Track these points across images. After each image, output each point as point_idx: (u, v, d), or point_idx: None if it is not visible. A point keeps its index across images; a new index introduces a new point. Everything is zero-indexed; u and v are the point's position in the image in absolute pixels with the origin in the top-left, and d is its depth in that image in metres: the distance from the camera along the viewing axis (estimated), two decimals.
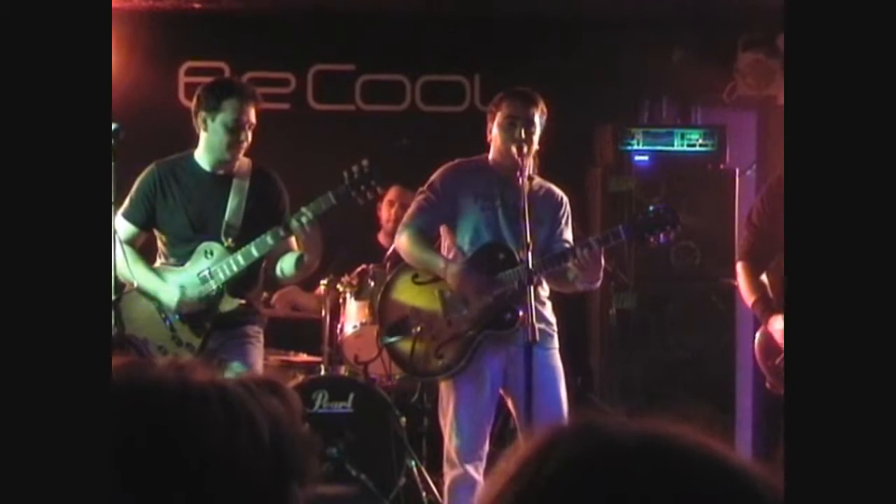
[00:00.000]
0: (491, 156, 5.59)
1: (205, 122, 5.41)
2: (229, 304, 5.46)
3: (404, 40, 8.14)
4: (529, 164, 5.42)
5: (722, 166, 7.62)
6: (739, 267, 6.92)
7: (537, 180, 5.57)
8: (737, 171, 7.56)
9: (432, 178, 5.64)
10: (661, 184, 7.45)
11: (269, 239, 5.37)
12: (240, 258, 5.39)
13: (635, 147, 7.60)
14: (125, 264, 5.42)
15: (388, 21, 8.04)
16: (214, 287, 5.43)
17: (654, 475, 1.06)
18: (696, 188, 7.49)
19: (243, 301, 5.48)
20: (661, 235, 5.47)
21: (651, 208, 5.53)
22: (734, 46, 7.89)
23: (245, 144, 5.43)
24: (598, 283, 5.62)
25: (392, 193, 7.52)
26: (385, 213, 7.61)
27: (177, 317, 5.49)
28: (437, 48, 8.17)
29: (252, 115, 5.41)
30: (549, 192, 5.64)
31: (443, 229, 5.66)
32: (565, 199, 5.66)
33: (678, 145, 7.64)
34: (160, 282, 5.49)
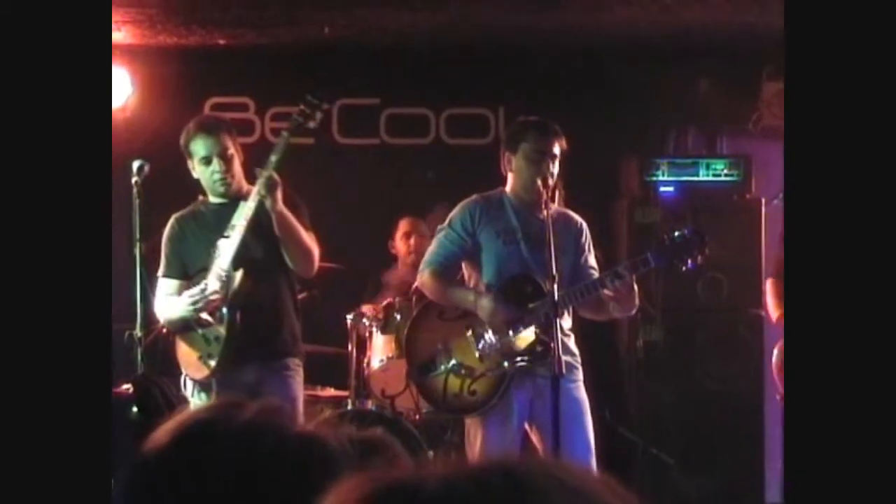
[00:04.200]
0: (510, 188, 5.55)
1: (191, 167, 5.52)
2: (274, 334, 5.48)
3: (428, 73, 8.15)
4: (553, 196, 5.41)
5: (748, 196, 7.59)
6: (768, 284, 6.87)
7: (554, 208, 5.43)
8: (763, 200, 7.52)
9: (451, 214, 5.58)
10: (687, 214, 7.40)
11: (251, 202, 5.33)
12: (234, 239, 5.37)
13: (661, 178, 7.57)
14: (163, 312, 5.49)
15: (412, 54, 8.05)
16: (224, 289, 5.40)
17: None
18: (723, 218, 7.44)
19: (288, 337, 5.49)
20: (689, 261, 5.38)
21: (677, 233, 5.43)
22: (759, 76, 7.88)
23: (225, 174, 5.45)
24: (635, 310, 5.54)
25: (405, 226, 7.50)
26: (402, 246, 7.57)
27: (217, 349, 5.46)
28: (461, 81, 8.17)
29: (227, 145, 5.45)
30: (568, 220, 5.59)
31: (466, 265, 5.61)
32: (584, 224, 5.62)
33: (704, 175, 7.62)
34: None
